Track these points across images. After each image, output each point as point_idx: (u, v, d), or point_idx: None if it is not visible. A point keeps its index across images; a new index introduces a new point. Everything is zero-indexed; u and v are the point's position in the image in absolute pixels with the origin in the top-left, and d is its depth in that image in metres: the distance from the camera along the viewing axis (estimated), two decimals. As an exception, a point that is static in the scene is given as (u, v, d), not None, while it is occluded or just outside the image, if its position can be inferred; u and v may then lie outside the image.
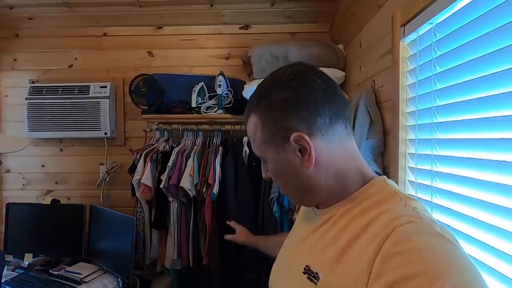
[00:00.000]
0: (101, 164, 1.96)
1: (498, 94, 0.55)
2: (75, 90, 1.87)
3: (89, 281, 1.48)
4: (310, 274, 0.47)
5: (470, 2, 0.62)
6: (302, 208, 0.67)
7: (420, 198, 0.81)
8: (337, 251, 0.44)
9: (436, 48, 0.74)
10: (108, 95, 1.86)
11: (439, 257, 0.35)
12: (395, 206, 0.44)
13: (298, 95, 0.48)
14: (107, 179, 1.93)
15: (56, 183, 2.00)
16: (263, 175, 0.57)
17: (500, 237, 0.54)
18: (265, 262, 1.41)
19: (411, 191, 0.86)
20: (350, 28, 1.49)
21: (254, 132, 0.52)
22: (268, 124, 0.50)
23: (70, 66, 1.97)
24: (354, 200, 0.49)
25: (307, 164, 0.48)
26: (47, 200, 1.72)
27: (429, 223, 0.40)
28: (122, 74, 1.94)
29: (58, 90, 1.87)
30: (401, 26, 0.88)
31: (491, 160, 0.57)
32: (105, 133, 1.87)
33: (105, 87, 1.87)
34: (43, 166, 2.00)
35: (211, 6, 1.75)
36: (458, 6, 0.65)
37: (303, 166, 0.48)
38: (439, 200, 0.74)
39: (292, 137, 0.47)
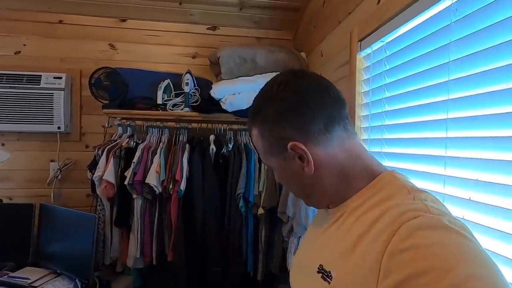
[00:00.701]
0: (52, 160, 1.82)
1: (430, 103, 0.70)
2: (23, 80, 1.71)
3: (39, 285, 1.37)
4: (324, 273, 0.47)
5: (412, 28, 0.77)
6: (317, 212, 0.68)
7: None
8: (346, 248, 0.44)
9: (386, 63, 0.89)
10: (63, 87, 1.74)
11: (447, 251, 0.34)
12: (403, 201, 0.43)
13: (288, 106, 0.49)
14: (59, 177, 1.80)
15: (-4, 181, 1.80)
16: (276, 180, 0.62)
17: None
18: (230, 255, 1.47)
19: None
20: (312, 38, 1.64)
21: (257, 143, 0.55)
22: (266, 136, 0.52)
23: (17, 52, 1.79)
24: (362, 196, 0.49)
25: (307, 170, 0.50)
26: (-13, 199, 1.55)
27: (437, 216, 0.38)
28: (79, 66, 1.83)
29: (2, 79, 1.69)
30: (358, 41, 1.02)
31: (427, 155, 0.71)
32: (59, 128, 1.74)
33: (60, 78, 1.74)
34: (-21, 162, 1.78)
35: (180, 4, 1.75)
36: (403, 30, 0.80)
37: (305, 172, 0.50)
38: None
39: (288, 146, 0.49)
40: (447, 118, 0.64)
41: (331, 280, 0.45)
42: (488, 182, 0.56)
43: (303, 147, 0.48)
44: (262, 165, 1.53)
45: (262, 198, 1.45)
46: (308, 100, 0.48)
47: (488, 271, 0.33)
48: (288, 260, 1.19)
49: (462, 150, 0.61)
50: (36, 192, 1.79)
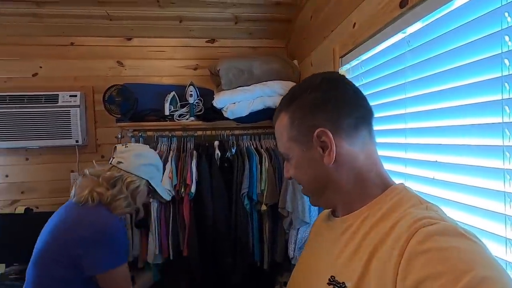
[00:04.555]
0: (72, 171, 2.00)
1: (391, 115, 0.86)
2: (42, 99, 1.88)
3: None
4: (336, 284, 0.46)
5: (379, 52, 0.92)
6: (319, 218, 0.68)
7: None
8: (363, 258, 0.44)
9: (362, 78, 1.04)
10: (79, 103, 1.91)
11: (463, 256, 0.35)
12: (417, 209, 0.44)
13: (328, 96, 0.51)
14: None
15: (22, 192, 1.98)
16: (285, 175, 0.59)
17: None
18: (239, 247, 1.65)
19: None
20: (303, 47, 1.79)
21: (282, 130, 0.55)
22: (297, 122, 0.53)
23: (35, 74, 1.97)
24: (375, 206, 0.49)
25: (327, 160, 0.50)
26: (20, 209, 1.73)
27: (452, 225, 0.40)
28: (91, 83, 2.00)
29: (24, 99, 1.86)
30: (340, 58, 1.18)
31: (391, 156, 0.88)
32: (76, 141, 1.92)
33: (75, 96, 1.92)
34: (6, 176, 1.96)
35: (180, 22, 1.91)
36: (373, 52, 0.96)
37: (324, 162, 0.50)
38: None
39: (316, 132, 0.50)
40: (406, 128, 0.81)
41: None
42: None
43: (330, 135, 0.49)
44: (263, 165, 1.70)
45: (264, 196, 1.63)
46: (346, 96, 0.51)
47: (502, 275, 0.34)
48: (289, 250, 1.37)
49: (417, 153, 0.78)
50: (60, 201, 1.95)
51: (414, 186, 0.79)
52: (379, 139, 0.97)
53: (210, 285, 1.65)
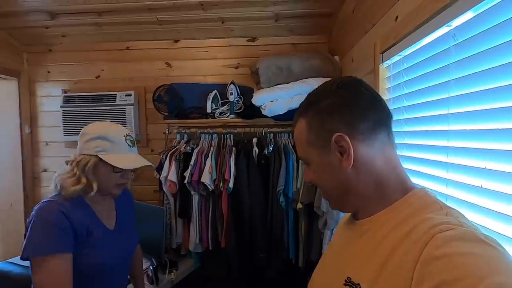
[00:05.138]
0: (127, 163, 2.22)
1: (432, 115, 0.79)
2: (103, 98, 2.13)
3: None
4: (352, 285, 0.47)
5: (422, 47, 0.85)
6: (342, 220, 0.69)
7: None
8: (378, 261, 0.44)
9: (403, 75, 0.98)
10: (133, 102, 2.11)
11: (480, 261, 0.35)
12: (436, 215, 0.43)
13: (344, 100, 0.51)
14: (133, 176, 2.18)
15: (87, 180, 2.26)
16: (305, 178, 0.60)
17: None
18: (274, 243, 1.67)
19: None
20: (345, 42, 1.72)
21: (300, 135, 0.56)
22: (315, 127, 0.53)
23: (98, 76, 2.22)
24: (395, 210, 0.49)
25: (345, 164, 0.50)
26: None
27: (472, 230, 0.39)
28: (143, 83, 2.19)
29: (89, 99, 2.13)
30: (380, 53, 1.11)
31: (432, 160, 0.81)
32: (131, 136, 2.12)
33: (130, 95, 2.12)
34: (75, 165, 2.26)
35: (223, 22, 1.98)
36: (417, 47, 0.89)
37: (342, 166, 0.50)
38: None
39: (333, 137, 0.50)
40: (449, 130, 0.74)
41: None
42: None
43: (348, 139, 0.49)
44: (300, 164, 1.69)
45: (300, 194, 1.62)
46: (363, 100, 0.51)
47: None
48: (323, 249, 1.35)
49: (461, 158, 0.71)
50: (117, 189, 2.21)
51: (457, 194, 0.73)
52: (418, 141, 0.91)
53: (246, 278, 1.71)
